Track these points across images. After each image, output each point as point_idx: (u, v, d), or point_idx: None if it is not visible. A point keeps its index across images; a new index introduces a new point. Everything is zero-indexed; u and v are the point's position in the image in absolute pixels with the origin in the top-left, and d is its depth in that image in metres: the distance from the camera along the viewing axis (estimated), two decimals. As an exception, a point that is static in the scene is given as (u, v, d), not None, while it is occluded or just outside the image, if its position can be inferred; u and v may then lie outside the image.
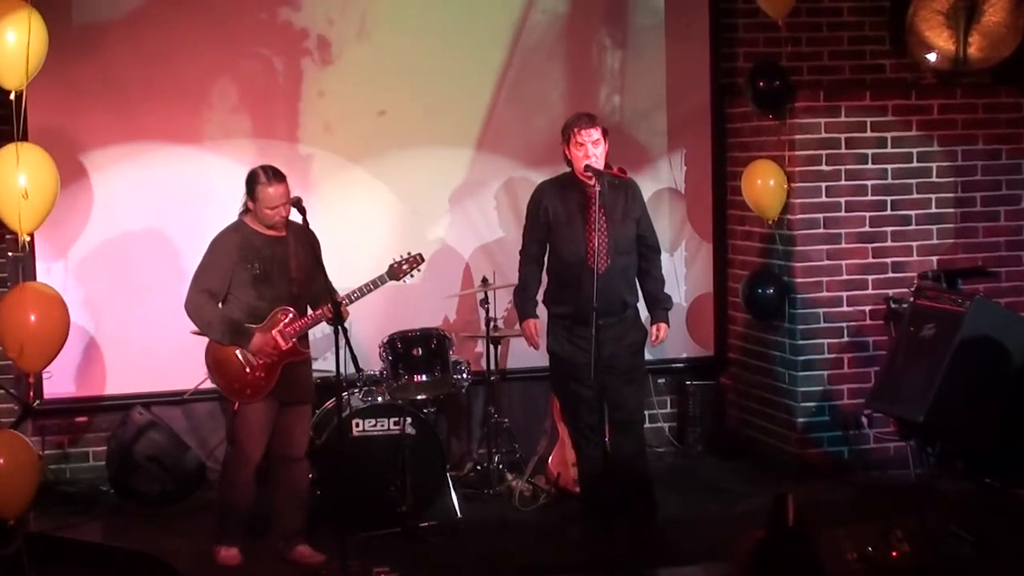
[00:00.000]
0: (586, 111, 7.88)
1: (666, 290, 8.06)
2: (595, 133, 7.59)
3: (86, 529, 8.18)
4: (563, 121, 7.81)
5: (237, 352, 7.35)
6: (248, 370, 7.36)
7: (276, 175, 7.35)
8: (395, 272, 7.65)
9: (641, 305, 7.98)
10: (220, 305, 7.42)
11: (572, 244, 7.64)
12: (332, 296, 7.21)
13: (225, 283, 7.39)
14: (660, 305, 7.99)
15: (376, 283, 7.53)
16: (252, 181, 7.37)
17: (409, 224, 9.47)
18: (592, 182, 7.50)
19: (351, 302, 7.49)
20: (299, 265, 7.44)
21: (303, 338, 7.50)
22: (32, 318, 7.26)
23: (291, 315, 7.40)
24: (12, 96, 6.94)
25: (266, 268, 7.37)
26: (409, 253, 7.71)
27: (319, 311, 7.43)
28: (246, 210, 7.43)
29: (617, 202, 7.72)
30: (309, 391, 7.64)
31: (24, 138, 7.14)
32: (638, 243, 7.85)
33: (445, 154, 9.53)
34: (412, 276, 7.74)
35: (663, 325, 7.95)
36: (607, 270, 7.62)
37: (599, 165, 7.58)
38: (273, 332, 7.34)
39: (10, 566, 7.04)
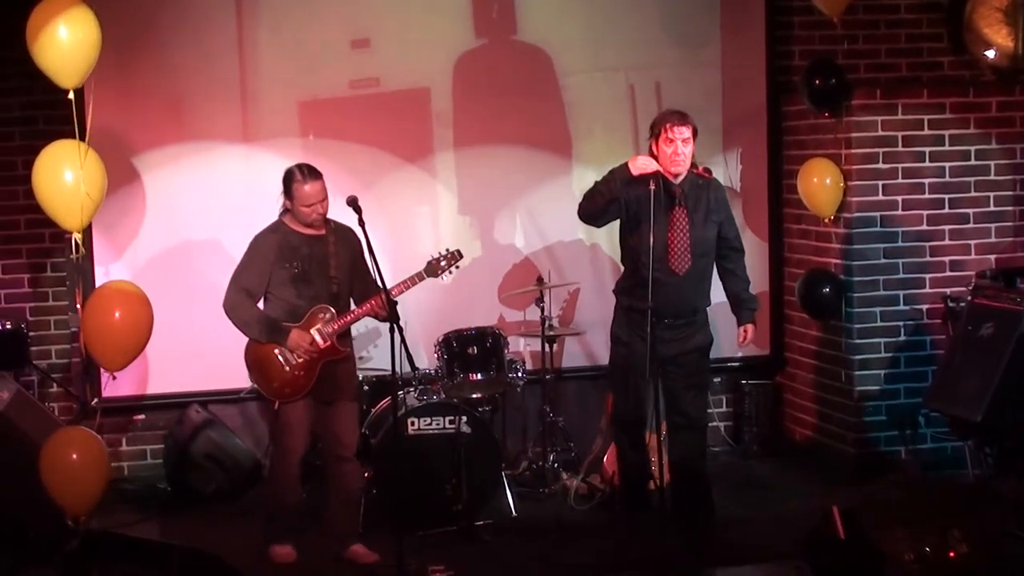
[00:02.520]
0: (678, 109, 7.78)
1: (721, 287, 7.98)
2: (686, 131, 7.54)
3: (143, 527, 8.24)
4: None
5: (276, 351, 7.39)
6: (287, 368, 7.39)
7: (312, 173, 7.38)
8: (433, 269, 7.63)
9: (711, 309, 7.91)
10: (260, 305, 7.48)
11: (654, 246, 7.47)
12: (383, 291, 7.26)
13: (263, 283, 7.44)
14: (746, 306, 7.95)
15: (414, 279, 7.51)
16: (288, 180, 7.40)
17: (465, 223, 9.49)
18: (677, 180, 7.49)
19: (391, 297, 7.48)
20: (338, 264, 7.47)
21: (343, 336, 7.52)
22: (117, 315, 7.30)
23: (330, 313, 7.42)
24: (71, 95, 6.97)
25: (305, 267, 7.41)
26: (447, 250, 7.70)
27: (359, 309, 7.45)
28: (285, 210, 7.48)
29: (700, 203, 7.66)
30: (352, 389, 7.66)
31: (83, 137, 7.18)
32: (720, 244, 7.80)
33: (502, 153, 9.53)
34: (451, 273, 7.73)
35: (750, 326, 7.92)
36: (687, 272, 7.61)
37: (686, 164, 7.56)
38: (311, 330, 7.38)
39: (71, 563, 7.10)
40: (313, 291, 7.43)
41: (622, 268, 8.02)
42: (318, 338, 7.38)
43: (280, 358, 7.39)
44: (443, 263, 7.65)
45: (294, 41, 9.21)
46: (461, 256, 7.71)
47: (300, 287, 7.41)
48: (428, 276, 7.59)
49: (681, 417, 7.78)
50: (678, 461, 7.81)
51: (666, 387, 7.72)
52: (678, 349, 7.64)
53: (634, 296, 7.68)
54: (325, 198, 7.39)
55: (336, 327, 7.42)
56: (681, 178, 7.60)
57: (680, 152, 7.51)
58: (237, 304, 7.42)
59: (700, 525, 7.84)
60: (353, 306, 7.53)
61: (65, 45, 6.85)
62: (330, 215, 7.45)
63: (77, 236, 7.14)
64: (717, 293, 7.88)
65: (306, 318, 7.40)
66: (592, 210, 7.65)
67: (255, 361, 7.47)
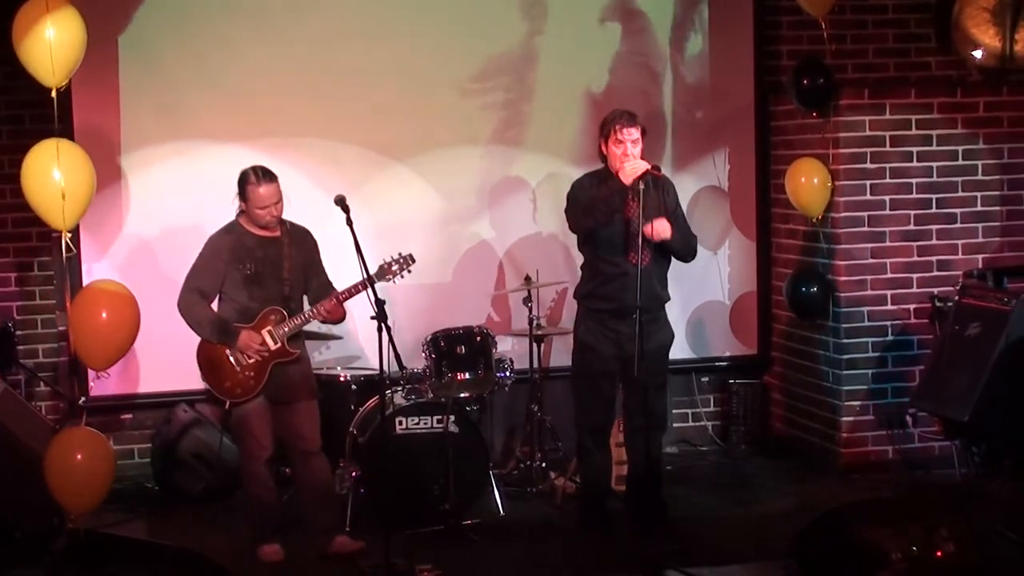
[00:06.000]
0: (627, 109, 7.83)
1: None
2: (635, 132, 7.57)
3: (131, 526, 8.24)
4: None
5: (227, 352, 7.42)
6: (238, 369, 7.42)
7: (266, 175, 7.41)
8: (383, 272, 7.60)
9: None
10: (215, 305, 7.50)
11: (613, 239, 7.63)
12: (337, 292, 7.35)
13: (216, 283, 7.47)
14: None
15: (363, 284, 7.37)
16: (243, 182, 7.44)
17: (451, 222, 9.49)
18: (639, 185, 7.47)
19: (340, 302, 7.48)
20: (292, 266, 7.50)
21: (294, 338, 7.53)
22: (103, 315, 7.22)
23: (280, 315, 7.45)
24: (54, 94, 6.94)
25: (258, 269, 7.44)
26: (400, 254, 7.67)
27: (309, 311, 7.48)
28: (241, 211, 7.50)
29: (654, 200, 7.68)
30: (308, 387, 7.66)
31: (68, 136, 7.14)
32: None
33: (487, 151, 9.54)
34: (402, 276, 7.70)
35: (662, 219, 7.63)
36: (647, 266, 7.62)
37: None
38: (262, 332, 7.41)
39: (59, 562, 7.09)
40: (265, 292, 7.46)
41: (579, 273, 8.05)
42: (269, 340, 7.41)
43: (231, 359, 7.42)
44: (394, 267, 7.64)
45: (282, 39, 9.19)
46: (414, 260, 7.70)
47: (252, 288, 7.45)
48: (378, 280, 7.52)
49: (651, 418, 7.79)
50: (646, 462, 7.84)
51: (633, 387, 7.74)
52: (646, 345, 7.57)
53: (598, 296, 7.74)
54: (279, 200, 7.42)
55: (287, 329, 7.44)
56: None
57: (629, 153, 7.54)
58: (190, 304, 7.47)
59: (657, 525, 7.88)
60: (307, 307, 7.55)
61: (51, 45, 6.81)
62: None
63: (67, 235, 7.11)
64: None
65: (257, 319, 7.43)
66: (594, 226, 7.63)
67: (207, 361, 7.50)
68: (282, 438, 7.62)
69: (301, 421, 7.57)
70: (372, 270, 7.43)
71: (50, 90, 6.95)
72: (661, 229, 7.60)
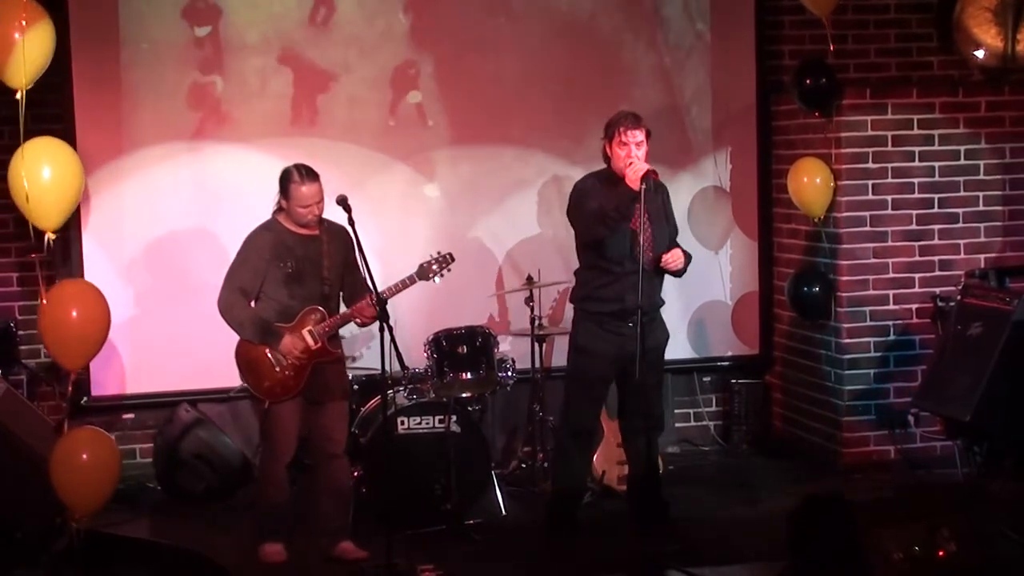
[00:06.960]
0: (631, 110, 7.81)
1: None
2: (640, 134, 7.55)
3: (133, 526, 8.22)
4: (607, 117, 7.79)
5: (267, 351, 7.38)
6: (278, 369, 7.38)
7: (309, 174, 7.36)
8: (424, 272, 7.59)
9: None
10: (252, 303, 7.46)
11: (619, 241, 7.60)
12: (373, 292, 7.26)
13: (258, 282, 7.42)
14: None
15: (406, 282, 7.46)
16: (285, 180, 7.38)
17: (455, 222, 9.49)
18: (642, 186, 7.46)
19: (373, 304, 7.44)
20: (332, 264, 7.46)
21: (333, 337, 7.51)
22: (73, 314, 7.12)
23: (321, 314, 7.42)
24: (19, 95, 6.89)
25: (299, 267, 7.39)
26: (439, 253, 7.66)
27: (350, 310, 7.46)
28: (279, 209, 7.46)
29: (655, 203, 7.70)
30: (342, 389, 7.64)
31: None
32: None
33: (492, 152, 9.55)
34: (442, 275, 7.70)
35: (677, 250, 7.73)
36: (650, 269, 7.62)
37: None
38: (303, 332, 7.37)
39: (60, 562, 7.09)
40: (305, 291, 7.42)
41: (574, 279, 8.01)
42: (310, 340, 7.37)
43: (271, 358, 7.37)
44: (434, 266, 7.62)
45: (281, 39, 9.21)
46: (453, 259, 7.67)
47: (293, 287, 7.40)
48: (419, 279, 7.56)
49: (651, 419, 7.78)
50: (646, 463, 7.85)
51: (633, 388, 7.71)
52: (644, 346, 7.59)
53: (600, 298, 7.70)
54: (321, 199, 7.37)
55: (326, 328, 7.42)
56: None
57: (633, 155, 7.52)
58: (232, 304, 7.41)
59: (660, 523, 7.89)
60: (343, 307, 7.52)
61: (15, 47, 6.76)
62: (323, 215, 7.43)
63: (51, 235, 7.06)
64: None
65: (297, 319, 7.39)
66: (607, 234, 7.59)
67: (246, 361, 7.45)
68: (308, 438, 7.59)
69: (332, 423, 7.54)
70: (413, 270, 7.50)
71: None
72: (675, 260, 7.64)
